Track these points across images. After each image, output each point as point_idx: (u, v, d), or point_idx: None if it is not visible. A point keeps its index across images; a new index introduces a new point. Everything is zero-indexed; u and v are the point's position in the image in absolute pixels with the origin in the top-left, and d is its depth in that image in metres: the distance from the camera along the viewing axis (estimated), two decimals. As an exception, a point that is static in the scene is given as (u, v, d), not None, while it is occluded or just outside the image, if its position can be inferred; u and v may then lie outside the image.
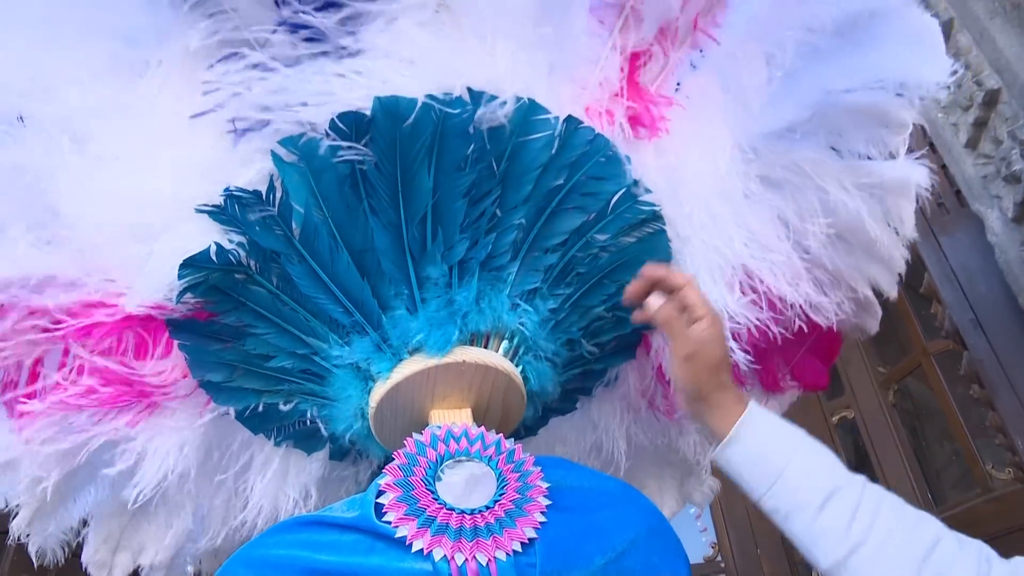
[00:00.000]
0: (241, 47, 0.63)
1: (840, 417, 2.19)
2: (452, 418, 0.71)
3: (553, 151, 0.69)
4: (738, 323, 0.75)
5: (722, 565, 2.41)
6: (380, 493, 0.60)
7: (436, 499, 0.60)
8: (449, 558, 0.56)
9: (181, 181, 0.66)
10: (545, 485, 0.63)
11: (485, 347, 0.72)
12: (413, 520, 0.58)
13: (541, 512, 0.61)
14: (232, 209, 0.66)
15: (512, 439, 0.67)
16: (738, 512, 2.34)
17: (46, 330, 0.70)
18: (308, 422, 0.83)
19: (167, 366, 0.77)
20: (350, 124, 0.64)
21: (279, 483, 0.90)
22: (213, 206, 0.66)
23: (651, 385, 0.92)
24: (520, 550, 0.58)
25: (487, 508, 0.60)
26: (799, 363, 1.04)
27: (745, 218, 0.73)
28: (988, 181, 1.40)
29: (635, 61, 0.69)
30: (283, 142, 0.65)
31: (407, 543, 0.57)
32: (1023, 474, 1.47)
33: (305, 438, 0.86)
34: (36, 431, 0.75)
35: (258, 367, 0.77)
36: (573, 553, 0.59)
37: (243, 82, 0.62)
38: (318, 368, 0.75)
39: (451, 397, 0.73)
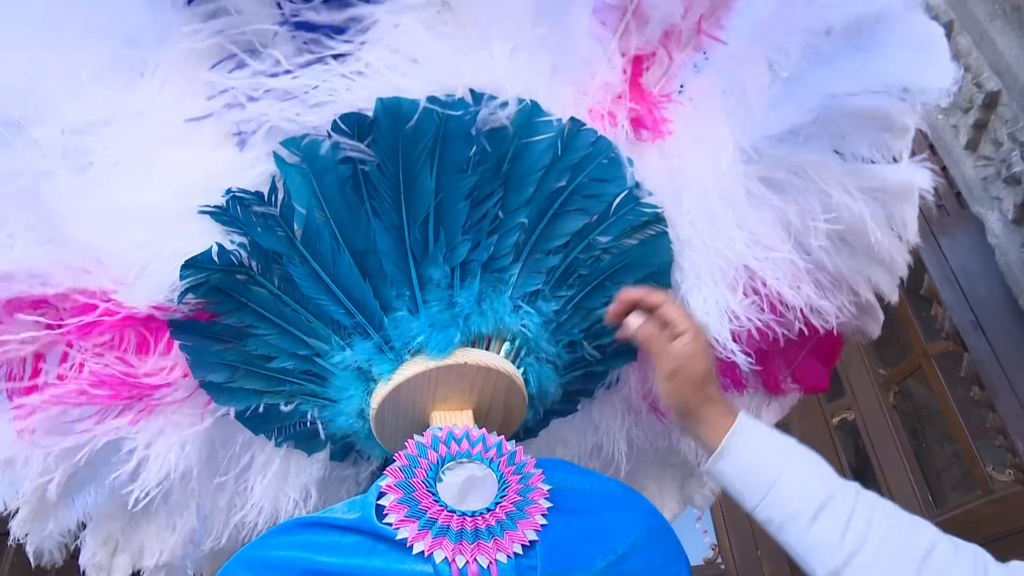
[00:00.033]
0: (243, 48, 0.63)
1: (840, 419, 2.19)
2: (453, 420, 0.71)
3: (555, 153, 0.69)
4: (740, 325, 0.75)
5: (722, 567, 2.41)
6: (381, 495, 0.60)
7: (437, 501, 0.60)
8: (450, 560, 0.56)
9: (183, 183, 0.66)
10: (546, 487, 0.63)
11: (487, 349, 0.72)
12: (414, 522, 0.58)
13: (542, 515, 0.61)
14: (234, 210, 0.66)
15: (513, 441, 0.67)
16: (739, 514, 2.34)
17: (48, 327, 0.70)
18: (309, 423, 0.83)
19: (168, 364, 0.77)
20: (352, 125, 0.64)
21: (279, 483, 0.90)
22: (215, 207, 0.66)
23: (652, 387, 0.92)
24: (521, 552, 0.58)
25: (488, 510, 0.60)
26: (800, 365, 1.04)
27: (747, 220, 0.72)
28: (988, 183, 1.40)
29: (638, 63, 0.69)
30: (285, 143, 0.65)
31: (408, 545, 0.57)
32: (1023, 476, 1.47)
33: (306, 439, 0.86)
34: (34, 427, 0.75)
35: (259, 368, 0.77)
36: (574, 556, 0.59)
37: (248, 85, 0.62)
38: (319, 369, 0.75)
39: (452, 399, 0.72)
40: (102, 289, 0.69)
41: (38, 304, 0.72)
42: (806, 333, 0.82)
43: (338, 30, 0.62)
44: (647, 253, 0.77)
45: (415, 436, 0.65)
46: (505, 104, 0.65)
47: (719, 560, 2.44)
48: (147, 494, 0.80)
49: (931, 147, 1.54)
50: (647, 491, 1.20)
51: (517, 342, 0.74)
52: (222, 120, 0.64)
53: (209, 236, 0.67)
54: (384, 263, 0.69)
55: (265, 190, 0.67)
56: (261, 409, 0.81)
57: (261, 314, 0.73)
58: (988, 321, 1.49)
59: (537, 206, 0.72)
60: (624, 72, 0.68)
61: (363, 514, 0.59)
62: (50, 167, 0.65)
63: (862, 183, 0.73)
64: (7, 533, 0.89)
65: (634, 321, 0.72)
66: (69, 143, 0.65)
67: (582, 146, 0.70)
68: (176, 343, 0.75)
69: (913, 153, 0.76)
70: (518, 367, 0.74)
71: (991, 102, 1.36)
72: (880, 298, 0.91)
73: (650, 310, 0.71)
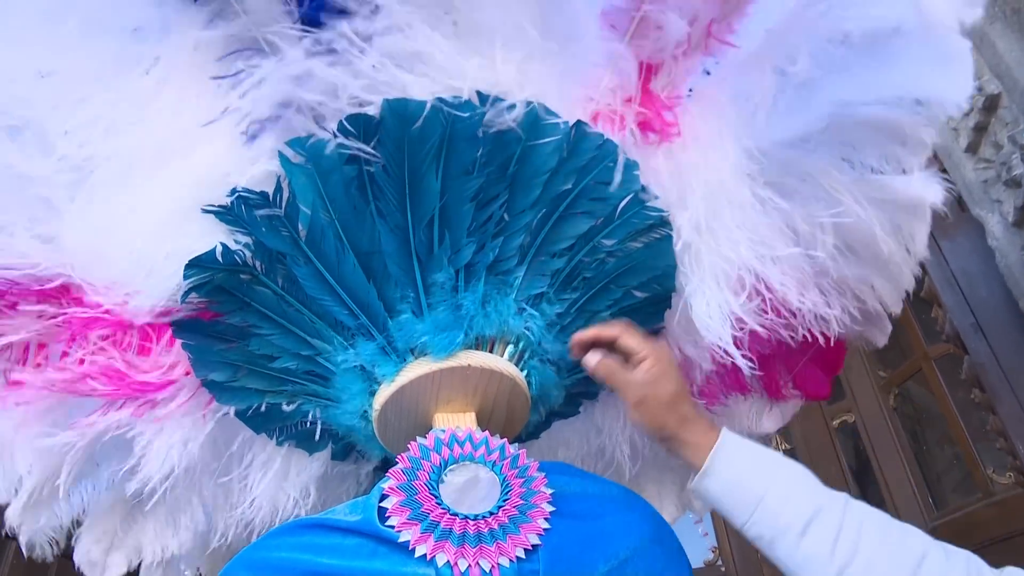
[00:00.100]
0: (249, 44, 0.63)
1: (841, 421, 2.19)
2: (456, 422, 0.71)
3: (562, 156, 0.69)
4: (741, 328, 0.75)
5: (723, 569, 2.41)
6: (383, 497, 0.60)
7: (440, 504, 0.60)
8: (452, 564, 0.56)
9: (187, 181, 0.66)
10: (549, 491, 0.63)
11: (490, 351, 0.72)
12: (416, 525, 0.58)
13: (545, 518, 0.61)
14: (239, 210, 0.66)
15: (516, 444, 0.67)
16: (738, 515, 2.34)
17: (51, 317, 0.70)
18: (310, 423, 0.83)
19: (169, 362, 0.76)
20: (358, 126, 0.64)
21: (279, 482, 0.90)
22: (220, 206, 0.66)
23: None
24: (524, 557, 0.58)
25: (491, 514, 0.60)
26: (801, 372, 1.04)
27: (753, 224, 0.72)
28: (988, 185, 1.40)
29: (647, 67, 0.69)
30: (291, 143, 0.65)
31: (410, 548, 0.57)
32: (1023, 478, 1.47)
33: (307, 438, 0.86)
34: (29, 415, 0.74)
35: (262, 367, 0.77)
36: (576, 560, 0.59)
37: (259, 80, 0.62)
38: (322, 370, 0.75)
39: (455, 401, 0.72)
40: (105, 287, 0.69)
41: (42, 297, 0.72)
42: (808, 340, 0.82)
43: (345, 30, 0.61)
44: (652, 256, 0.76)
45: (418, 438, 0.65)
46: (512, 106, 0.64)
47: (719, 562, 2.45)
48: (148, 491, 0.80)
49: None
50: (646, 494, 1.20)
51: (521, 344, 0.74)
52: (234, 115, 0.64)
53: (213, 235, 0.67)
54: (388, 264, 0.69)
55: (270, 190, 0.67)
56: (263, 408, 0.81)
57: (264, 314, 0.73)
58: (988, 323, 1.49)
59: (543, 209, 0.71)
60: (632, 75, 0.68)
61: (365, 516, 0.59)
62: (52, 168, 0.64)
63: (871, 193, 0.73)
64: (7, 534, 0.88)
65: (591, 360, 0.71)
66: (71, 143, 0.65)
67: (588, 149, 0.70)
68: (178, 341, 0.75)
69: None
70: (521, 369, 0.74)
71: (991, 105, 1.36)
72: (883, 308, 0.90)
73: (610, 345, 0.71)
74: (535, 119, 0.67)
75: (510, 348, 0.73)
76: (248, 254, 0.69)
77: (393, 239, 0.68)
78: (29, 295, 0.71)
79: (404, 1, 0.61)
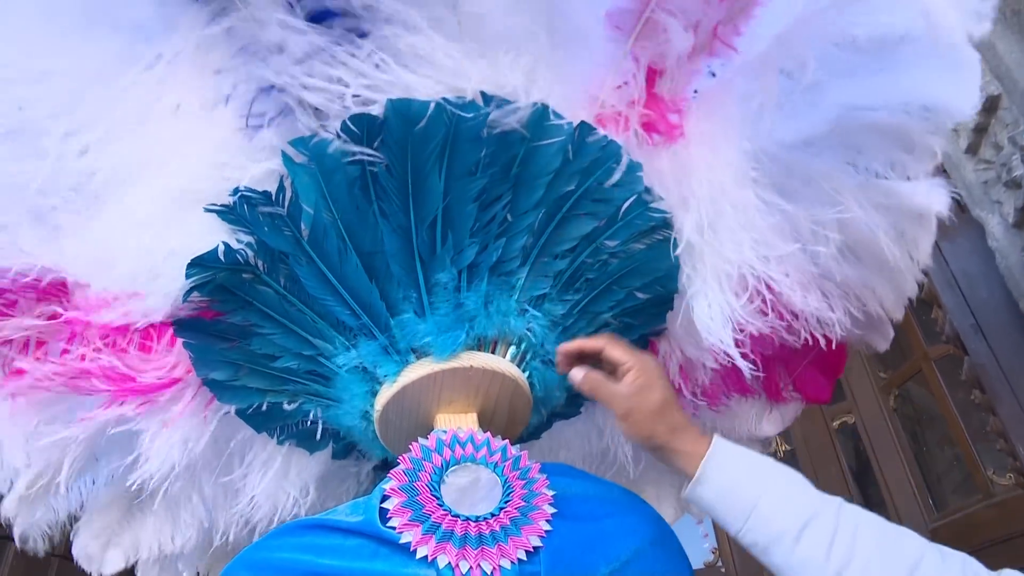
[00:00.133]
0: (251, 40, 0.62)
1: (841, 422, 2.20)
2: (458, 423, 0.71)
3: (565, 157, 0.69)
4: (742, 330, 0.75)
5: (723, 571, 2.42)
6: (385, 498, 0.60)
7: (441, 505, 0.60)
8: (453, 566, 0.56)
9: (190, 180, 0.66)
10: (550, 493, 0.63)
11: (492, 352, 0.72)
12: (418, 526, 0.58)
13: (546, 520, 0.60)
14: (241, 209, 0.66)
15: (517, 445, 0.67)
16: (737, 516, 2.34)
17: (52, 316, 0.70)
18: (311, 422, 0.83)
19: (171, 361, 0.76)
20: (362, 126, 0.63)
21: (279, 480, 0.90)
22: (222, 205, 0.66)
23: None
24: (525, 558, 0.58)
25: (492, 515, 0.60)
26: (802, 375, 1.04)
27: (756, 226, 0.72)
28: (989, 187, 1.40)
29: (651, 68, 0.68)
30: (294, 143, 0.64)
31: (411, 549, 0.57)
32: (1023, 479, 1.47)
33: (308, 438, 0.86)
34: (27, 406, 0.74)
35: (263, 367, 0.77)
36: (578, 562, 0.59)
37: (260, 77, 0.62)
38: (324, 369, 0.75)
39: (457, 402, 0.72)
40: (105, 287, 0.69)
41: (42, 297, 0.71)
42: (809, 343, 0.82)
43: (349, 29, 0.61)
44: (654, 257, 0.76)
45: (419, 439, 0.65)
46: (516, 107, 0.64)
47: (719, 563, 2.45)
48: (148, 488, 0.80)
49: (931, 151, 1.54)
50: (645, 496, 1.19)
51: (523, 345, 0.74)
52: (234, 115, 0.63)
53: (216, 234, 0.67)
54: (391, 264, 0.69)
55: (273, 189, 0.66)
56: (264, 407, 0.81)
57: (266, 313, 0.73)
58: (988, 325, 1.49)
59: (546, 209, 0.71)
60: (637, 77, 0.68)
61: (366, 517, 0.59)
62: (52, 168, 0.64)
63: (876, 198, 0.73)
64: (7, 535, 0.88)
65: (576, 375, 0.71)
66: (71, 143, 0.64)
67: (592, 150, 0.69)
68: (179, 340, 0.75)
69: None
70: (523, 370, 0.74)
71: (991, 106, 1.35)
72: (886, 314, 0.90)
73: (595, 358, 0.71)
74: (539, 120, 0.66)
75: (512, 349, 0.73)
76: (250, 253, 0.69)
77: (396, 239, 0.68)
78: (29, 294, 0.71)
79: (408, 1, 0.60)
